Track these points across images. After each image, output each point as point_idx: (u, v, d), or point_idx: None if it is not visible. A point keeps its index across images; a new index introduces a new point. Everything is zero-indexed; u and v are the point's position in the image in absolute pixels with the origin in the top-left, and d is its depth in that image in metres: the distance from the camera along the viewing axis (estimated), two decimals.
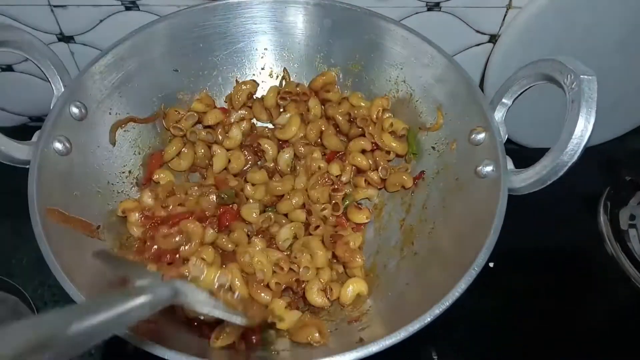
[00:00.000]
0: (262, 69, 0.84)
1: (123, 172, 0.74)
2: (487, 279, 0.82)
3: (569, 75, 0.55)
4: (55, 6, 0.84)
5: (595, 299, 0.82)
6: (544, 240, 0.88)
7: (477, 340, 0.78)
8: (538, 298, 0.82)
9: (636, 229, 0.88)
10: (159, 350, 0.47)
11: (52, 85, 0.66)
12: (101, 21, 0.88)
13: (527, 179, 0.58)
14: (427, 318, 0.51)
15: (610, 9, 0.87)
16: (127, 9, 0.84)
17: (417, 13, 0.89)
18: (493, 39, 0.95)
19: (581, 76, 0.53)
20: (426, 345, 0.76)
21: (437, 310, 0.51)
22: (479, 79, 0.99)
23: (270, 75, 0.85)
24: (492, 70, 0.95)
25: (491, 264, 0.82)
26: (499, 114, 0.65)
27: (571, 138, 0.53)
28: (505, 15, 0.91)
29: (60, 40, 0.90)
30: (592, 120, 0.53)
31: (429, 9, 0.88)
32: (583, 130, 0.53)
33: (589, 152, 0.99)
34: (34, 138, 0.62)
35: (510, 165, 0.61)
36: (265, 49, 0.82)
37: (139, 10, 0.84)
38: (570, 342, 0.77)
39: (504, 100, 0.64)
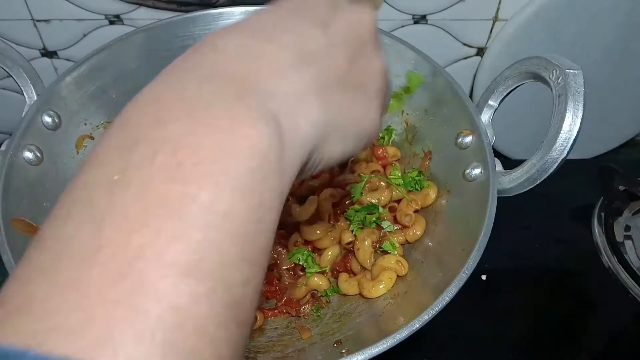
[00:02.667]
0: None
1: None
2: (479, 294, 0.81)
3: (554, 71, 0.53)
4: (38, 20, 0.83)
5: (593, 312, 0.79)
6: (538, 253, 0.85)
7: (470, 358, 0.74)
8: (532, 312, 0.78)
9: (632, 240, 0.85)
10: None
11: (25, 94, 0.64)
12: (85, 35, 0.87)
13: (516, 179, 0.56)
14: (415, 325, 0.48)
15: (596, 19, 0.87)
16: (111, 23, 0.83)
17: (403, 26, 0.88)
18: (480, 51, 0.94)
19: (567, 70, 0.52)
20: None
21: (425, 316, 0.48)
22: (468, 92, 0.98)
23: None
24: (481, 83, 0.95)
25: (484, 277, 0.80)
26: (485, 116, 0.63)
27: (559, 133, 0.51)
28: (492, 28, 0.91)
29: (43, 55, 0.89)
30: (580, 114, 0.51)
31: (416, 22, 0.88)
32: (571, 124, 0.51)
33: (581, 162, 0.99)
34: (3, 147, 0.59)
35: (498, 167, 0.59)
36: None
37: (122, 24, 0.83)
38: (570, 354, 0.73)
39: (490, 102, 0.63)
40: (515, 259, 0.84)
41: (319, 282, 0.64)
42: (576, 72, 0.52)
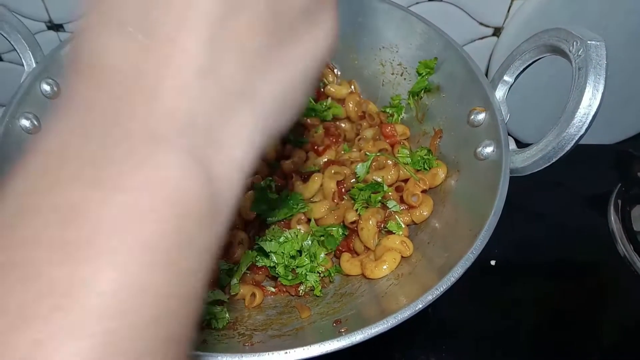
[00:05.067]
0: None
1: None
2: (489, 282, 0.78)
3: (574, 43, 0.50)
4: None
5: (607, 301, 0.76)
6: (551, 241, 0.83)
7: (481, 347, 0.71)
8: (546, 301, 0.76)
9: None
10: None
11: (24, 61, 0.62)
12: None
13: (530, 158, 0.53)
14: (418, 305, 0.45)
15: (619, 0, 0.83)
16: None
17: (417, 3, 0.85)
18: (497, 32, 0.91)
19: (588, 42, 0.49)
20: (426, 351, 0.70)
21: (429, 297, 0.46)
22: (484, 74, 0.95)
23: None
24: (496, 65, 0.91)
25: (493, 262, 0.77)
26: (500, 93, 0.60)
27: (578, 108, 0.48)
28: (510, 7, 0.87)
29: (49, 28, 0.87)
30: (601, 88, 0.48)
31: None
32: (591, 99, 0.48)
33: (598, 148, 0.96)
34: None
35: (512, 145, 0.56)
36: None
37: None
38: (581, 346, 0.71)
39: (505, 77, 0.60)
40: (527, 248, 0.81)
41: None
42: (598, 43, 0.48)
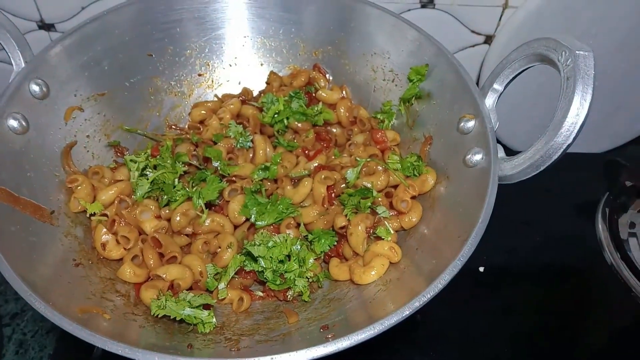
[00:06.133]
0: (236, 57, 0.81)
1: None
2: (477, 289, 0.78)
3: (563, 52, 0.51)
4: None
5: (594, 310, 0.76)
6: (539, 248, 0.83)
7: (469, 352, 0.72)
8: (534, 307, 0.76)
9: (637, 238, 0.82)
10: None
11: (12, 61, 0.62)
12: (83, 8, 0.84)
13: (518, 166, 0.53)
14: (405, 311, 0.45)
15: (610, 7, 0.84)
16: None
17: (409, 10, 0.85)
18: (489, 39, 0.91)
19: (577, 52, 0.49)
20: (414, 357, 0.70)
21: (416, 303, 0.46)
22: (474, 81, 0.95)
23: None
24: (488, 73, 0.92)
25: (481, 269, 0.77)
26: (489, 101, 0.61)
27: (566, 117, 0.48)
28: (501, 15, 0.88)
29: (40, 27, 0.87)
30: (589, 98, 0.48)
31: (423, 6, 0.85)
32: (579, 108, 0.48)
33: (586, 157, 0.96)
34: None
35: (501, 153, 0.56)
36: (246, 36, 0.78)
37: None
38: (569, 351, 0.71)
39: (495, 86, 0.60)
40: (515, 255, 0.82)
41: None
42: (586, 53, 0.49)
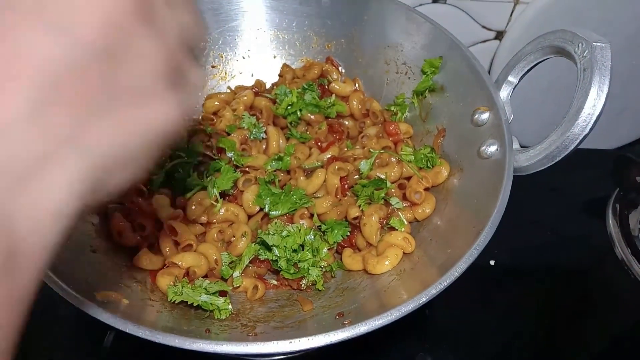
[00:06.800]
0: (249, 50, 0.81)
1: None
2: (486, 285, 0.78)
3: (580, 44, 0.51)
4: None
5: (606, 305, 0.76)
6: (550, 245, 0.83)
7: (479, 348, 0.72)
8: (544, 303, 0.76)
9: None
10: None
11: None
12: None
13: (534, 157, 0.53)
14: (422, 298, 0.46)
15: (620, 3, 0.84)
16: None
17: (421, 5, 0.86)
18: (499, 35, 0.92)
19: (594, 43, 0.49)
20: (424, 351, 0.71)
21: (433, 290, 0.46)
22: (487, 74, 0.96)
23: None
24: (498, 69, 0.92)
25: (492, 262, 0.78)
26: (504, 93, 0.61)
27: (583, 108, 0.49)
28: (512, 11, 0.88)
29: None
30: (606, 89, 0.48)
31: (434, 1, 0.85)
32: (596, 99, 0.48)
33: (596, 153, 0.96)
34: None
35: (515, 144, 0.57)
36: (259, 28, 0.79)
37: None
38: (579, 349, 0.71)
39: (509, 78, 0.61)
40: (526, 251, 0.82)
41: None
42: (604, 45, 0.49)
